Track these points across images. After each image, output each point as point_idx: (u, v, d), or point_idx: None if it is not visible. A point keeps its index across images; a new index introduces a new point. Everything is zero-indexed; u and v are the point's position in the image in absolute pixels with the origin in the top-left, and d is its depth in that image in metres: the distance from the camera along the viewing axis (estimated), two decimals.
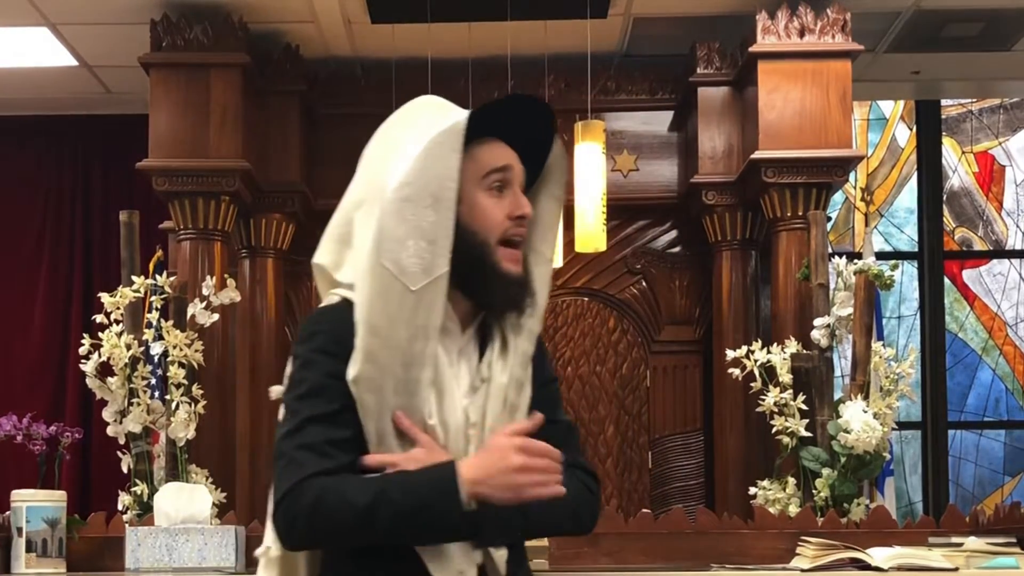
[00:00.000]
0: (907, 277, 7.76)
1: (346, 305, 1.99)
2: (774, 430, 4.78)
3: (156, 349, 4.82)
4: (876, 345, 4.87)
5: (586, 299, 6.68)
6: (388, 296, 1.94)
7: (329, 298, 2.05)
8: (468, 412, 2.00)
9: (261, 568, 2.07)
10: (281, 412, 1.99)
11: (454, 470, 1.90)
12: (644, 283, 6.66)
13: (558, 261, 5.86)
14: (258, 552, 2.06)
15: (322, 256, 2.07)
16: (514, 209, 2.02)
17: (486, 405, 2.01)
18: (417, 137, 2.00)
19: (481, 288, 2.01)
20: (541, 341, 2.13)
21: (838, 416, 4.69)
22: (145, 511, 4.63)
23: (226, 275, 5.47)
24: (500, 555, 2.00)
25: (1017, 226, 7.95)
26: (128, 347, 4.72)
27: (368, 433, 1.95)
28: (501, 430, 1.98)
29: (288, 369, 2.02)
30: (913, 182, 7.86)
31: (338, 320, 1.97)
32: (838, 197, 7.63)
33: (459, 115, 2.01)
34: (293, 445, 1.93)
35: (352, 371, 1.93)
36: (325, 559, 2.03)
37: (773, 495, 4.76)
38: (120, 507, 4.76)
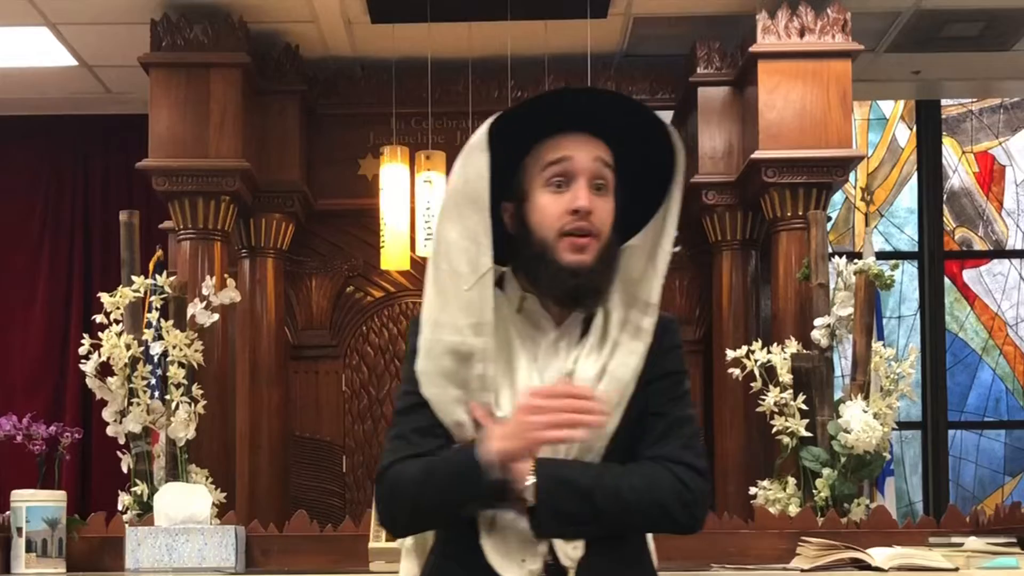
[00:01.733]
0: (907, 277, 7.76)
1: None
2: (774, 430, 4.78)
3: (156, 349, 4.82)
4: (876, 345, 4.86)
5: None
6: (445, 295, 2.01)
7: None
8: None
9: (402, 559, 2.18)
10: None
11: (481, 436, 1.96)
12: None
13: None
14: (397, 543, 2.17)
15: None
16: (570, 202, 2.02)
17: None
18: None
19: (544, 281, 2.04)
20: (669, 335, 2.11)
21: (838, 416, 4.69)
22: (145, 511, 4.63)
23: (226, 275, 5.47)
24: (568, 549, 1.99)
25: (1017, 226, 7.95)
26: (128, 347, 4.72)
27: (448, 426, 2.01)
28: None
29: None
30: (913, 182, 7.86)
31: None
32: (838, 197, 7.62)
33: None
34: (387, 439, 2.05)
35: (417, 366, 2.02)
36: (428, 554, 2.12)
37: (773, 495, 4.76)
38: (120, 507, 4.76)
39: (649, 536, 2.13)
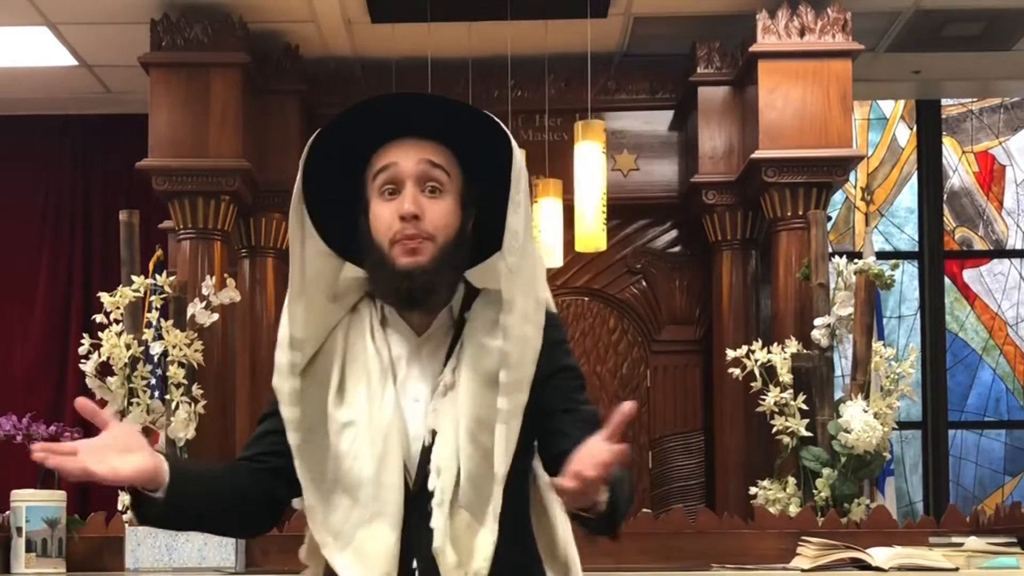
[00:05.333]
0: (907, 277, 7.76)
1: None
2: (774, 430, 4.78)
3: (156, 349, 4.82)
4: (876, 345, 4.86)
5: (586, 299, 6.67)
6: None
7: None
8: (427, 419, 1.98)
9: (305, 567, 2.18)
10: None
11: None
12: (644, 283, 6.66)
13: (557, 261, 5.86)
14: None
15: None
16: (398, 208, 1.99)
17: (456, 412, 1.97)
18: None
19: (381, 287, 2.03)
20: (551, 331, 2.04)
21: (838, 416, 4.69)
22: None
23: (226, 275, 5.47)
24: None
25: (1017, 226, 7.95)
26: (128, 347, 4.72)
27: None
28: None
29: None
30: (913, 182, 7.86)
31: None
32: (838, 197, 7.62)
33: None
34: None
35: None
36: None
37: (773, 495, 4.76)
38: (120, 507, 4.76)
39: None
